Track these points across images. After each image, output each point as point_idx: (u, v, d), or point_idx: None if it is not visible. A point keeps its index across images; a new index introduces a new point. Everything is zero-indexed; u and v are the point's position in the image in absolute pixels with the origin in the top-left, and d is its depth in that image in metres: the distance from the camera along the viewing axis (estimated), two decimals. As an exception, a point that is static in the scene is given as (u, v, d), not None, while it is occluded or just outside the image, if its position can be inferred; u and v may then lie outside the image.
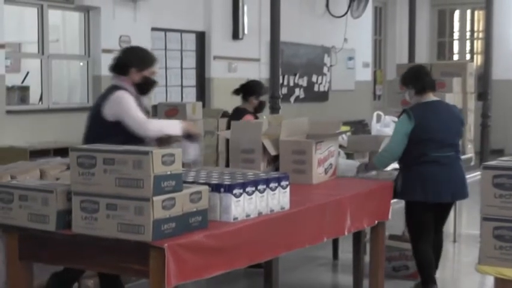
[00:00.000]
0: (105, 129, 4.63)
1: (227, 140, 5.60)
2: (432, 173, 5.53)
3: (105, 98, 4.75)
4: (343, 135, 6.35)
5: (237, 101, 6.86)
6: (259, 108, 6.79)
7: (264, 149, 5.09)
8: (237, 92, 6.83)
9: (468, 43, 16.94)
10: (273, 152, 5.14)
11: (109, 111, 4.68)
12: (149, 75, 4.88)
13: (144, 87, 4.88)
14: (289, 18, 11.27)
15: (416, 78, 5.68)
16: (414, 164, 5.53)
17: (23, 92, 8.67)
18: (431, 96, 5.69)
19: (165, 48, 10.37)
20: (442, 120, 5.64)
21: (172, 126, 4.81)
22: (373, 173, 5.80)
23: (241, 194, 3.75)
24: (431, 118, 5.60)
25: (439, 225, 5.80)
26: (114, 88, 4.78)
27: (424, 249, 5.62)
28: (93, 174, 3.42)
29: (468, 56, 16.80)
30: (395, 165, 6.09)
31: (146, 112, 4.94)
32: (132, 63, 4.82)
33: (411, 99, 5.70)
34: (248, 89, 6.80)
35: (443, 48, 17.09)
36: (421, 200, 5.58)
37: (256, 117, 6.60)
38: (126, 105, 4.67)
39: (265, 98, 6.85)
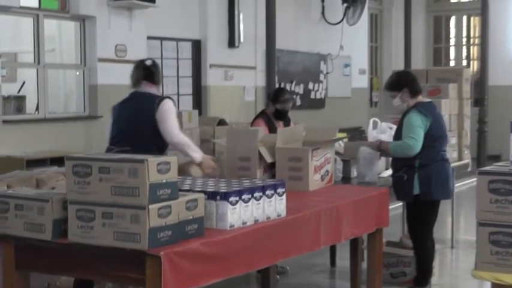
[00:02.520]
0: (150, 135, 5.12)
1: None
2: (448, 171, 5.71)
3: (152, 106, 5.13)
4: (340, 142, 6.36)
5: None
6: (276, 115, 6.70)
7: (261, 156, 5.09)
8: (268, 96, 7.00)
9: (464, 49, 16.95)
10: (269, 160, 5.14)
11: (159, 119, 5.13)
12: None
13: None
14: (285, 26, 11.29)
15: (411, 80, 5.80)
16: (433, 162, 5.59)
17: (19, 101, 8.67)
18: (422, 98, 5.81)
19: (161, 57, 10.36)
20: (443, 119, 5.87)
21: (194, 152, 5.24)
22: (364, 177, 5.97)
23: (237, 201, 3.75)
24: (439, 116, 5.75)
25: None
26: (154, 96, 5.22)
27: (429, 245, 5.76)
28: (89, 183, 3.42)
29: (464, 62, 16.81)
30: (390, 171, 6.11)
31: None
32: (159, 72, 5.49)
33: (403, 103, 5.74)
34: (269, 94, 6.86)
35: (439, 54, 17.10)
36: (442, 198, 5.69)
37: (271, 123, 6.61)
38: (172, 113, 5.20)
39: (282, 106, 6.67)
